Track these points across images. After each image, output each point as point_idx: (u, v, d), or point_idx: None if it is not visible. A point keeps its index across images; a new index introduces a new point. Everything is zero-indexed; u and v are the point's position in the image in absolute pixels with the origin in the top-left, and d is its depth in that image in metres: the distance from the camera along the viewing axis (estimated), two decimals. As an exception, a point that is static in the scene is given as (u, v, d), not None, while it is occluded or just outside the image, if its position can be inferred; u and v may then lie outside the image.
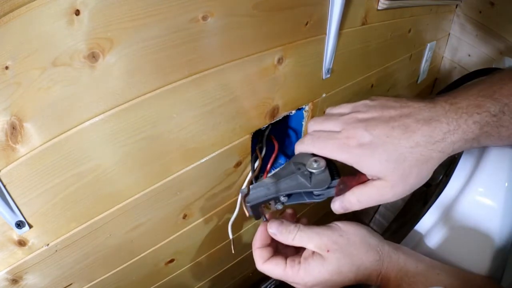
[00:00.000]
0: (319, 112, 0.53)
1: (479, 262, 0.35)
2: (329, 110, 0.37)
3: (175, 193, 0.39)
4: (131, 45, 0.28)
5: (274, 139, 0.49)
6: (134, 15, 0.27)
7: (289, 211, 0.39)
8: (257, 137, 0.47)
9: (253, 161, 0.46)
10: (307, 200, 0.36)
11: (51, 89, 0.26)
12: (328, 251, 0.32)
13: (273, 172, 0.49)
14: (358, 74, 0.58)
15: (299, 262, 0.33)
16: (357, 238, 0.33)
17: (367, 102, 0.35)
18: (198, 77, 0.33)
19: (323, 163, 0.33)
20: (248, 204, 0.34)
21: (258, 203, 0.34)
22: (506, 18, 0.85)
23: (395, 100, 0.33)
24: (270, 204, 0.35)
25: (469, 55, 0.99)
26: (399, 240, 0.41)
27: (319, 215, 0.82)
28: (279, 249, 0.36)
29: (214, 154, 0.40)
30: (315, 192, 0.34)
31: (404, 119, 0.31)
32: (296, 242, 0.34)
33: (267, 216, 0.36)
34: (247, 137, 0.43)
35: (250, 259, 0.37)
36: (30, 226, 0.29)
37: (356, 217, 1.02)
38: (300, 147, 0.35)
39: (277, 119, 0.46)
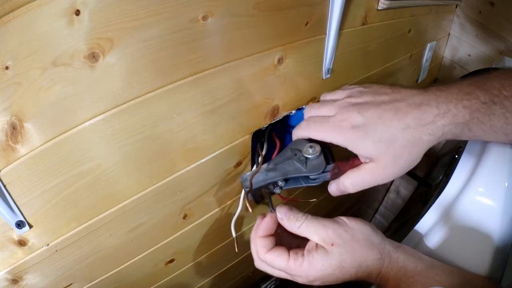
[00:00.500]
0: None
1: (479, 262, 0.35)
2: (324, 97, 0.39)
3: (175, 193, 0.39)
4: (131, 45, 0.28)
5: (276, 137, 0.49)
6: (134, 15, 0.27)
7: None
8: (258, 137, 0.47)
9: (256, 158, 0.47)
10: (304, 184, 0.38)
11: (51, 89, 0.26)
12: (332, 244, 0.32)
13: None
14: (358, 74, 0.58)
15: (303, 255, 0.33)
16: (361, 235, 0.34)
17: (360, 88, 0.36)
18: (199, 77, 0.33)
19: (318, 148, 0.35)
20: (247, 189, 0.36)
21: (257, 187, 0.36)
22: (506, 18, 0.85)
23: (388, 87, 0.35)
24: (269, 188, 0.37)
25: (469, 55, 0.99)
26: (399, 240, 0.41)
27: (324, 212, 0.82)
28: (280, 242, 0.36)
29: (214, 154, 0.40)
30: (311, 176, 0.36)
31: (395, 103, 0.32)
32: (302, 231, 0.34)
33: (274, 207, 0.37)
34: (247, 137, 0.43)
35: (250, 259, 0.36)
36: (30, 226, 0.29)
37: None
38: (297, 132, 0.37)
39: (277, 119, 0.46)
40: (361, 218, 0.36)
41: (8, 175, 0.26)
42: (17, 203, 0.28)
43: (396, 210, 1.14)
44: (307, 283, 0.33)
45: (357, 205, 1.17)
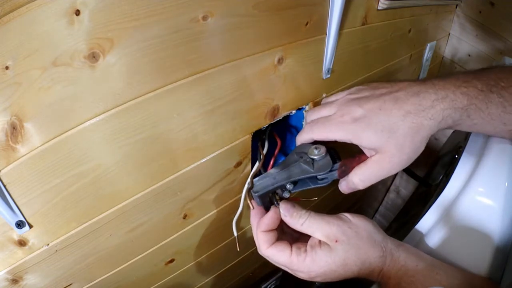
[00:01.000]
0: (319, 112, 0.53)
1: (479, 262, 0.35)
2: (324, 101, 0.40)
3: (176, 193, 0.39)
4: (131, 45, 0.28)
5: (277, 136, 0.49)
6: (134, 15, 0.27)
7: None
8: (258, 137, 0.47)
9: (258, 157, 0.47)
10: (312, 186, 0.38)
11: (51, 89, 0.26)
12: (336, 241, 0.32)
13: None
14: (358, 74, 0.58)
15: (305, 250, 0.33)
16: (365, 232, 0.34)
17: (359, 86, 0.37)
18: (199, 77, 0.33)
19: (323, 149, 0.35)
20: (256, 194, 0.35)
21: (265, 192, 0.35)
22: (506, 18, 0.85)
23: (387, 82, 0.36)
24: (277, 193, 0.37)
25: (469, 55, 0.99)
26: (400, 240, 0.41)
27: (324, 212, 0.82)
28: (282, 237, 0.36)
29: (214, 154, 0.40)
30: (318, 177, 0.36)
31: (394, 93, 0.33)
32: (305, 228, 0.34)
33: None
34: (248, 137, 0.43)
35: (250, 258, 0.37)
36: (30, 226, 0.29)
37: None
38: (301, 137, 0.37)
39: (278, 119, 0.46)
40: (363, 215, 0.36)
41: (8, 175, 0.26)
42: (17, 203, 0.28)
43: (396, 210, 1.14)
44: (308, 279, 0.33)
45: (357, 205, 1.17)
